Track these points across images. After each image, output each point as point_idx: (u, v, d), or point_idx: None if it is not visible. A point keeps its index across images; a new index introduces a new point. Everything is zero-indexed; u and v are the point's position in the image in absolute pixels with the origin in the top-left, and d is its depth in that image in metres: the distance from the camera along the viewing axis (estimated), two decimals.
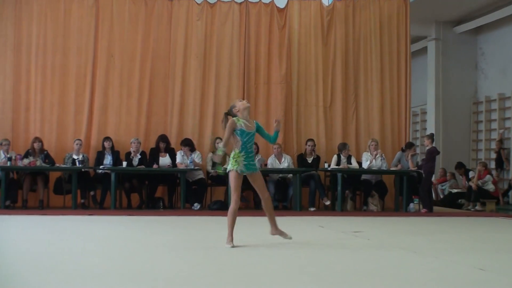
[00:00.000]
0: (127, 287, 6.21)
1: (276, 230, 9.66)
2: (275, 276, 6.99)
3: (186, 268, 7.46)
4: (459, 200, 19.09)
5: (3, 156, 16.63)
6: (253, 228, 12.57)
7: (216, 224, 13.18)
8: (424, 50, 24.63)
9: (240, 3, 18.85)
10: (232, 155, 9.31)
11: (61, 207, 16.80)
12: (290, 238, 9.46)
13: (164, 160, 17.18)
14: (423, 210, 17.17)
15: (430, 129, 23.89)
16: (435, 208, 18.28)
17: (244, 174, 9.33)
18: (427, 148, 17.68)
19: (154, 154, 17.30)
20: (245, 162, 9.16)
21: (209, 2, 18.81)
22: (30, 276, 6.72)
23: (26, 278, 6.63)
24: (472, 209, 18.39)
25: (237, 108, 9.30)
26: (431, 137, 17.85)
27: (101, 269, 7.25)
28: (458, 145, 18.46)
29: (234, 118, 9.19)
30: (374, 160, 17.51)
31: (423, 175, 17.44)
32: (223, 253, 8.72)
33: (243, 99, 9.28)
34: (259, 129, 9.46)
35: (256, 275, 7.02)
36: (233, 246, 9.00)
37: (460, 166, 19.87)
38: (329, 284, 6.58)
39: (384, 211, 17.55)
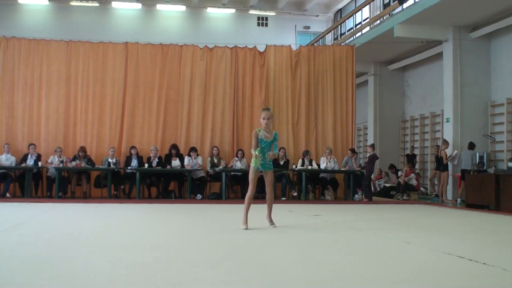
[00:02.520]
0: (148, 253, 6.25)
1: (268, 217, 9.46)
2: (259, 247, 7.06)
3: (191, 236, 7.53)
4: (391, 192, 19.17)
5: (57, 159, 16.67)
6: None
7: (212, 209, 13.26)
8: (365, 82, 24.75)
9: (231, 48, 18.93)
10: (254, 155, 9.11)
11: (99, 197, 16.80)
12: (274, 226, 9.22)
13: (175, 162, 17.20)
14: (365, 200, 17.28)
15: (370, 140, 24.01)
16: (374, 198, 18.38)
17: (261, 170, 9.21)
18: (369, 154, 17.81)
19: (168, 158, 17.36)
20: (262, 162, 9.06)
21: (208, 47, 18.86)
22: (79, 246, 6.77)
23: (77, 246, 6.68)
24: (401, 199, 18.48)
25: (261, 123, 9.19)
26: (372, 146, 18.05)
27: (131, 240, 7.31)
28: (390, 152, 18.61)
29: (256, 129, 9.14)
30: (328, 163, 17.64)
31: (365, 173, 17.56)
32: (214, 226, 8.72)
33: (265, 117, 9.04)
34: (274, 140, 9.20)
35: (243, 247, 7.08)
36: (246, 228, 8.79)
37: (392, 166, 19.94)
38: (297, 252, 6.65)
39: (336, 200, 17.62)
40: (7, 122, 17.68)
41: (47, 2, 27.12)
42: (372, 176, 19.04)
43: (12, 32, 20.80)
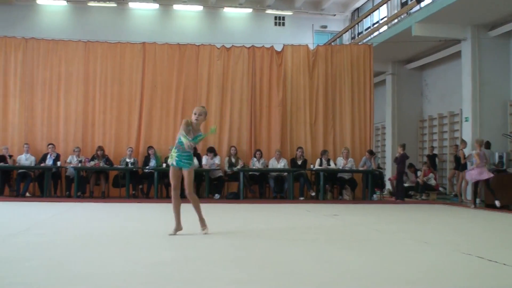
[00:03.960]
0: (165, 253, 6.30)
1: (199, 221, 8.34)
2: (276, 246, 7.10)
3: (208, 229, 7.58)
4: (410, 192, 19.09)
5: (75, 159, 16.80)
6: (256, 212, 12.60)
7: (230, 209, 13.30)
8: (383, 81, 24.64)
9: (249, 48, 18.97)
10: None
11: (117, 197, 16.89)
12: (206, 233, 8.17)
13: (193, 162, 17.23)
14: (397, 200, 17.38)
15: (388, 140, 23.99)
16: (391, 198, 18.39)
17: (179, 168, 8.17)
18: (400, 153, 17.72)
19: None
20: (177, 159, 8.04)
21: (226, 47, 18.92)
22: (97, 245, 6.84)
23: (95, 246, 6.75)
24: (420, 199, 18.44)
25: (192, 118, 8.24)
26: (403, 146, 17.90)
27: (148, 239, 7.38)
28: (408, 151, 18.49)
29: (189, 120, 8.17)
30: (346, 163, 17.62)
31: (397, 174, 17.63)
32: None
33: (196, 112, 8.21)
34: (194, 138, 8.18)
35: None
36: (174, 234, 7.94)
37: (411, 166, 19.85)
38: (314, 251, 6.68)
39: (354, 200, 17.59)
40: (26, 123, 17.83)
41: (65, 3, 27.26)
42: (391, 176, 18.95)
43: (31, 33, 20.97)
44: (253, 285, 4.71)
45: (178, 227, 8.03)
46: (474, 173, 14.94)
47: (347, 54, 19.42)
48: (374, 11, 24.23)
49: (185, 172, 8.13)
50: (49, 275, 4.99)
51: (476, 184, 15.16)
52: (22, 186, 16.57)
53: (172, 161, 8.09)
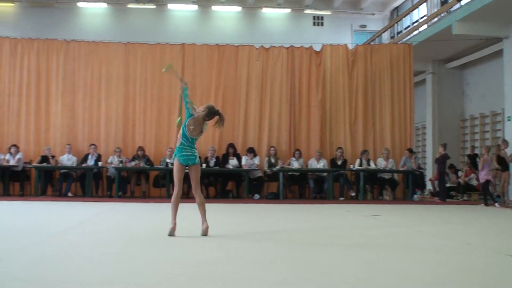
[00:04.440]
0: (205, 253, 6.33)
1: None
2: (315, 247, 7.08)
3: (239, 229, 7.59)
4: (451, 192, 18.89)
5: (116, 159, 16.97)
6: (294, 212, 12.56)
7: (270, 209, 13.31)
8: (423, 81, 24.40)
9: (287, 48, 18.98)
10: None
11: (158, 197, 17.02)
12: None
13: (233, 162, 17.31)
14: (439, 200, 17.25)
15: (429, 139, 23.76)
16: (433, 199, 18.23)
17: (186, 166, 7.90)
18: (441, 153, 17.56)
19: (225, 157, 17.47)
20: (186, 154, 7.76)
21: (264, 47, 18.95)
22: (138, 244, 6.90)
23: (136, 245, 6.81)
24: (461, 199, 18.25)
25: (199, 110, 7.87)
26: (444, 145, 17.74)
27: (189, 239, 7.42)
28: (449, 151, 18.28)
29: (192, 105, 7.85)
30: (386, 164, 17.51)
31: (438, 174, 17.50)
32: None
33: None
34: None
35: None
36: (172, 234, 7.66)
37: (451, 166, 19.65)
38: (353, 252, 6.65)
39: (395, 200, 17.47)
40: (68, 123, 18.09)
41: (105, 5, 27.54)
42: (431, 177, 18.78)
43: (72, 35, 21.22)
44: (294, 286, 4.70)
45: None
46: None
47: (387, 54, 19.31)
48: (413, 9, 24.04)
49: (193, 168, 7.93)
50: (91, 273, 5.03)
51: None
52: (64, 186, 16.83)
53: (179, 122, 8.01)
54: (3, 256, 5.79)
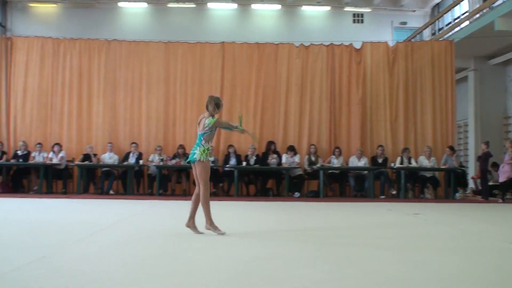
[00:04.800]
0: (245, 251, 6.33)
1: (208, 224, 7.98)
2: (355, 246, 7.04)
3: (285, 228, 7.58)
4: (494, 191, 18.62)
5: (157, 158, 17.10)
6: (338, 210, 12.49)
7: (310, 207, 13.28)
8: (465, 78, 24.10)
9: (327, 46, 18.91)
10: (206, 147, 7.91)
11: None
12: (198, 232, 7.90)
13: (273, 160, 17.31)
14: (482, 198, 17.02)
15: (471, 137, 23.46)
16: (475, 197, 18.00)
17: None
18: (483, 151, 17.34)
19: (266, 155, 17.48)
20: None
21: (304, 45, 18.91)
22: (179, 242, 6.93)
23: (177, 243, 6.85)
24: (504, 198, 17.99)
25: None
26: (487, 143, 17.50)
27: (229, 237, 7.43)
28: (492, 149, 18.01)
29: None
30: (428, 162, 17.34)
31: (480, 173, 17.29)
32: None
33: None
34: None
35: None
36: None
37: (494, 165, 19.36)
38: (394, 251, 6.59)
39: (436, 198, 17.29)
40: (109, 122, 18.30)
41: (146, 5, 27.75)
42: (473, 175, 18.55)
43: (113, 35, 21.41)
44: (337, 284, 4.67)
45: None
46: None
47: (428, 51, 19.09)
48: (455, 6, 23.73)
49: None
50: (132, 271, 5.07)
51: None
52: (106, 184, 17.02)
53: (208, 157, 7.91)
54: (48, 252, 5.87)
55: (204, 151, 7.82)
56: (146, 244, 6.72)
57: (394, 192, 17.09)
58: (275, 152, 17.56)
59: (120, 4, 27.54)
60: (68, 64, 18.57)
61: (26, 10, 27.68)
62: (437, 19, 26.00)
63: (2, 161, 17.13)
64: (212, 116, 7.90)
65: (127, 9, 27.85)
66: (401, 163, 17.25)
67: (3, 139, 18.12)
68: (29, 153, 17.36)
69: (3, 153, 17.45)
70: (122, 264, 5.40)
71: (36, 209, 12.04)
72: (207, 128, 7.86)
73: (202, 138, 7.88)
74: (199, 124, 7.99)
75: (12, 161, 17.17)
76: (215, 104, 7.95)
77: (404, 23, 29.26)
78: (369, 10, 28.78)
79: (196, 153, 7.83)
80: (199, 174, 7.86)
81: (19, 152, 17.32)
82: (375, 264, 5.56)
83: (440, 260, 5.93)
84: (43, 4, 27.59)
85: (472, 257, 6.18)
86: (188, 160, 7.97)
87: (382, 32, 27.84)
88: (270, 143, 17.69)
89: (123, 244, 6.67)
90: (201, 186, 7.89)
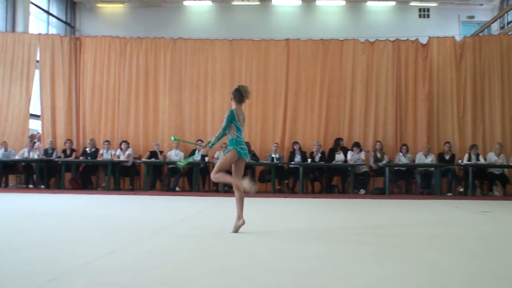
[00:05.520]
0: (310, 247, 6.31)
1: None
2: (423, 244, 6.94)
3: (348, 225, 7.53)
4: None
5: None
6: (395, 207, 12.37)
7: (376, 205, 13.17)
8: None
9: (393, 41, 18.70)
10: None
11: (263, 192, 17.11)
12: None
13: (339, 156, 17.23)
14: None
15: None
16: None
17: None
18: None
19: (332, 152, 17.41)
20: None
21: (369, 41, 18.75)
22: (243, 238, 6.95)
23: (241, 239, 6.86)
24: None
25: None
26: None
27: (293, 233, 7.41)
28: None
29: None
30: (497, 159, 16.98)
31: None
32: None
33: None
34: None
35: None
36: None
37: None
38: (464, 250, 6.46)
39: (505, 196, 16.91)
40: (175, 119, 18.53)
41: (211, 3, 27.99)
42: None
43: (178, 33, 21.64)
44: (401, 283, 4.61)
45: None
46: None
47: (496, 45, 18.67)
48: None
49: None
50: (199, 266, 5.11)
51: None
52: (172, 180, 17.20)
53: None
54: (116, 247, 5.97)
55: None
56: (212, 240, 6.77)
57: (461, 190, 16.80)
58: (343, 148, 17.47)
59: (185, 2, 27.86)
60: (134, 62, 18.91)
61: (94, 11, 28.28)
62: (506, 12, 25.41)
63: (71, 158, 17.56)
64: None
65: (192, 8, 28.13)
66: (469, 160, 16.92)
67: (73, 137, 18.57)
68: (97, 150, 17.73)
69: (72, 150, 17.88)
70: (189, 259, 5.45)
71: (104, 205, 12.29)
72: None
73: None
74: (244, 119, 7.97)
75: (81, 158, 17.56)
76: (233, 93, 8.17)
77: (472, 17, 28.70)
78: (435, 4, 28.35)
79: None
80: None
81: (88, 150, 17.70)
82: (442, 263, 5.46)
83: (508, 257, 5.80)
84: (110, 4, 28.12)
85: None
86: (243, 155, 7.77)
87: (449, 26, 27.36)
88: (338, 139, 17.61)
89: (190, 240, 6.73)
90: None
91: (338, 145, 17.50)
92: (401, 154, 17.19)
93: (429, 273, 4.95)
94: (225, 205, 12.55)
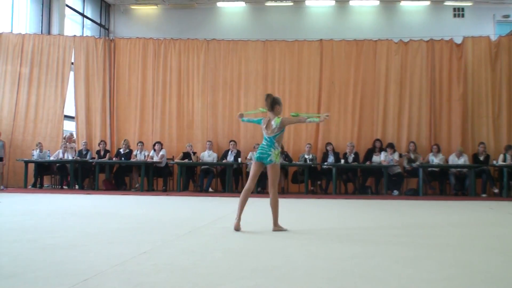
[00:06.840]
0: (346, 248, 6.29)
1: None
2: (457, 246, 6.87)
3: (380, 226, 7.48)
4: None
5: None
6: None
7: (409, 206, 13.08)
8: None
9: (427, 41, 18.54)
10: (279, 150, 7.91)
11: (296, 192, 17.13)
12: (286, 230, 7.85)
13: (376, 157, 17.15)
14: None
15: None
16: None
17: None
18: None
19: (370, 152, 17.35)
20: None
21: (403, 41, 18.62)
22: (278, 239, 6.95)
23: (275, 240, 6.87)
24: None
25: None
26: None
27: (327, 234, 7.38)
28: None
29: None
30: None
31: None
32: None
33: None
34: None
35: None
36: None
37: None
38: (499, 251, 6.39)
39: None
40: (208, 121, 18.61)
41: (244, 4, 28.07)
42: None
43: (212, 34, 21.75)
44: (437, 284, 4.57)
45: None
46: None
47: None
48: None
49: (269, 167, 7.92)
50: (233, 266, 5.12)
51: None
52: (205, 181, 17.26)
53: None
54: (149, 248, 6.01)
55: (278, 154, 7.89)
56: (245, 241, 6.78)
57: (496, 191, 16.59)
58: (381, 149, 17.37)
59: (218, 4, 27.98)
60: (168, 64, 19.02)
61: (128, 13, 28.55)
62: None
63: (105, 159, 17.71)
64: (278, 116, 7.96)
65: (225, 9, 28.25)
66: (504, 160, 16.72)
67: (107, 138, 18.74)
68: (131, 151, 17.86)
69: (106, 151, 18.04)
70: (222, 259, 5.46)
71: (137, 206, 12.35)
72: (276, 130, 7.88)
73: (275, 141, 7.90)
74: (266, 127, 7.96)
75: (115, 159, 17.70)
76: (279, 103, 8.09)
77: (507, 16, 28.36)
78: (470, 3, 28.08)
79: (272, 155, 7.83)
80: (274, 176, 7.90)
81: (121, 151, 17.84)
82: (481, 264, 5.41)
83: None
84: (144, 6, 28.35)
85: None
86: (259, 159, 7.92)
87: (484, 26, 27.09)
88: (376, 140, 17.52)
89: (223, 241, 6.75)
90: (274, 189, 7.96)
91: (375, 146, 17.41)
92: (431, 154, 17.05)
93: (470, 274, 4.90)
94: (259, 206, 12.56)
